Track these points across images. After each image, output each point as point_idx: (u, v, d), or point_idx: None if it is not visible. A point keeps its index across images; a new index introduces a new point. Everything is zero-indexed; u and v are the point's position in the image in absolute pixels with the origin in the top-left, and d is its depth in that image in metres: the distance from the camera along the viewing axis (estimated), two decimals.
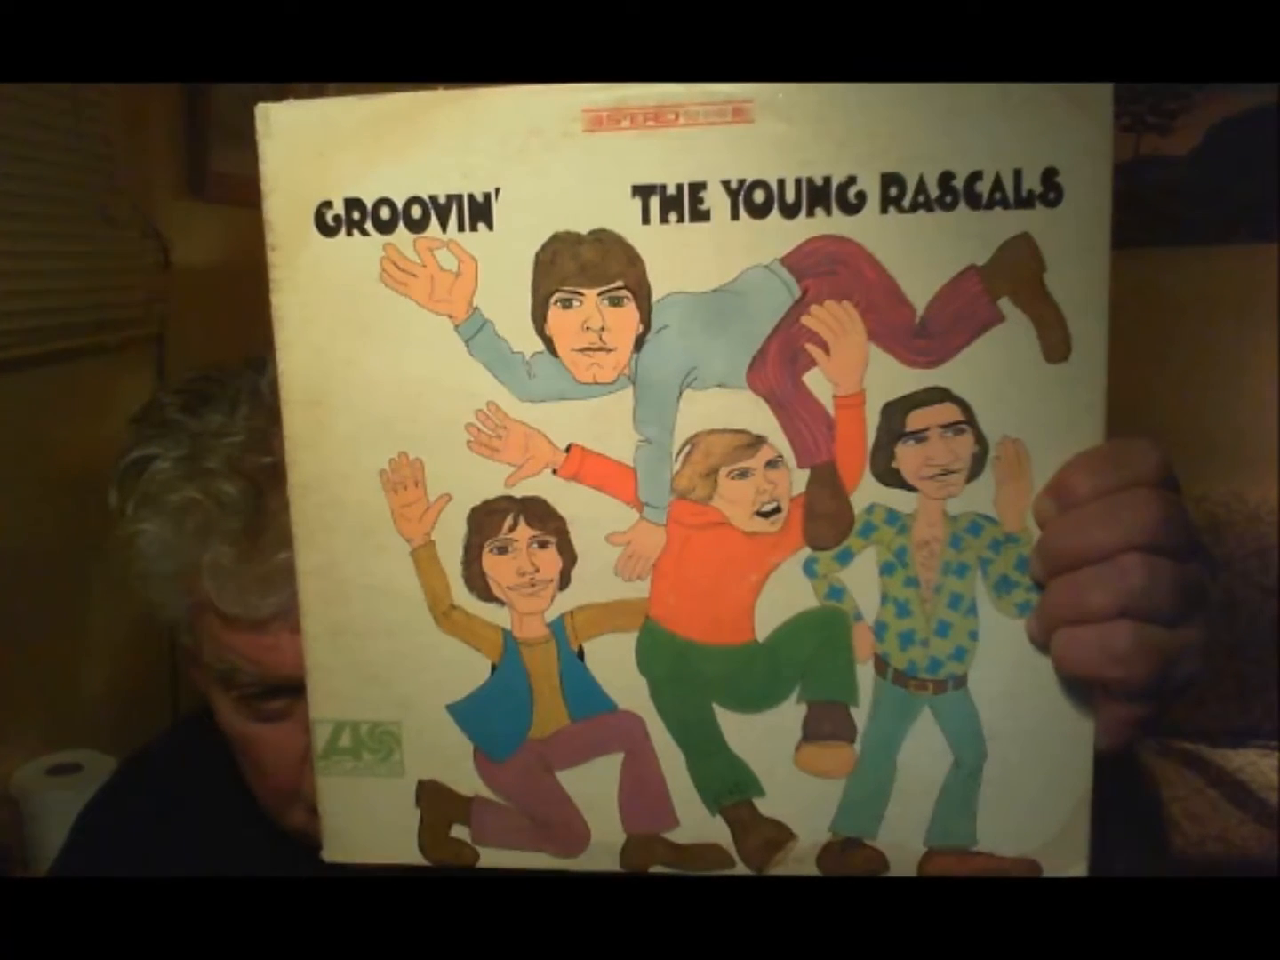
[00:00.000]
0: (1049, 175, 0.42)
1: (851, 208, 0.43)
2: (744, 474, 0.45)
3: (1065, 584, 0.42)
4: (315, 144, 0.45)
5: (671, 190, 0.43)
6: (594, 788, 0.48)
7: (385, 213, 0.45)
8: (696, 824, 0.47)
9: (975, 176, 0.43)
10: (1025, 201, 0.43)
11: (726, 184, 0.43)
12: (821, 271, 0.44)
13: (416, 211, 0.45)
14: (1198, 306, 2.33)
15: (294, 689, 0.58)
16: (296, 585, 0.48)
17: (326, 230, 0.45)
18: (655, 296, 0.44)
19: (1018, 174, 0.42)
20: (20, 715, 1.54)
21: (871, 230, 0.43)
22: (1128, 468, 0.42)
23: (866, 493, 0.45)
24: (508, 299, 0.45)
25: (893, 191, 0.43)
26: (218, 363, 0.67)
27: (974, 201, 0.43)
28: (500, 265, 0.45)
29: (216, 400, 0.63)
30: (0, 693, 1.49)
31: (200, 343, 1.79)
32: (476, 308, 0.45)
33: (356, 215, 0.45)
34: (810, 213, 0.43)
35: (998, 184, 0.42)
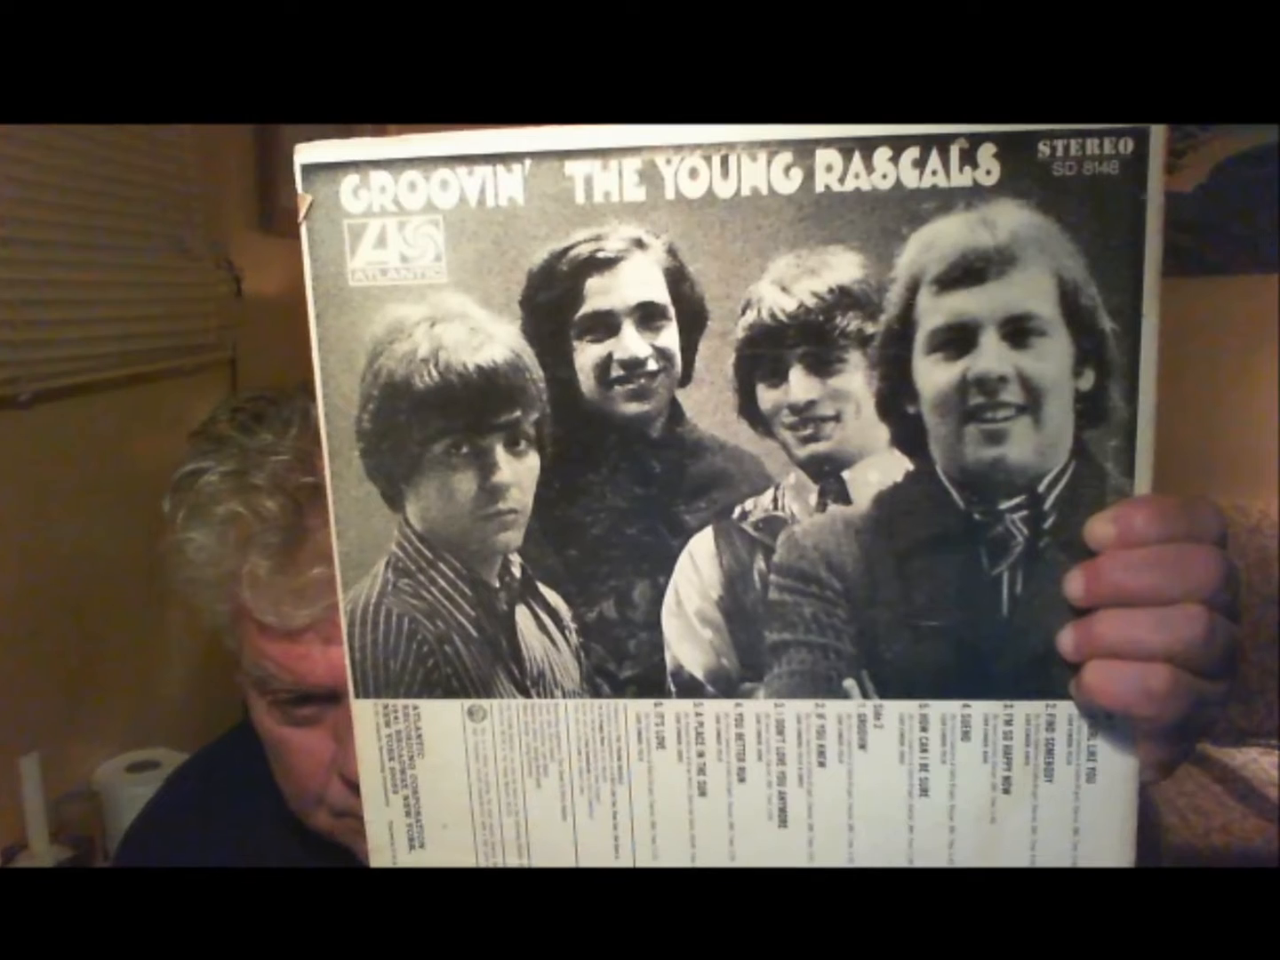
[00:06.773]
0: None
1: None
2: None
3: (1118, 618, 0.42)
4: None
5: None
6: None
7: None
8: None
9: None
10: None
11: None
12: None
13: None
14: (1204, 331, 2.38)
15: (324, 697, 0.61)
16: (333, 599, 0.47)
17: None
18: None
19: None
20: (102, 715, 1.63)
21: None
22: (1198, 522, 0.42)
23: None
24: None
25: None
26: (276, 384, 0.68)
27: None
28: None
29: (269, 420, 0.64)
30: (84, 694, 1.58)
31: (269, 367, 1.85)
32: None
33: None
34: None
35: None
